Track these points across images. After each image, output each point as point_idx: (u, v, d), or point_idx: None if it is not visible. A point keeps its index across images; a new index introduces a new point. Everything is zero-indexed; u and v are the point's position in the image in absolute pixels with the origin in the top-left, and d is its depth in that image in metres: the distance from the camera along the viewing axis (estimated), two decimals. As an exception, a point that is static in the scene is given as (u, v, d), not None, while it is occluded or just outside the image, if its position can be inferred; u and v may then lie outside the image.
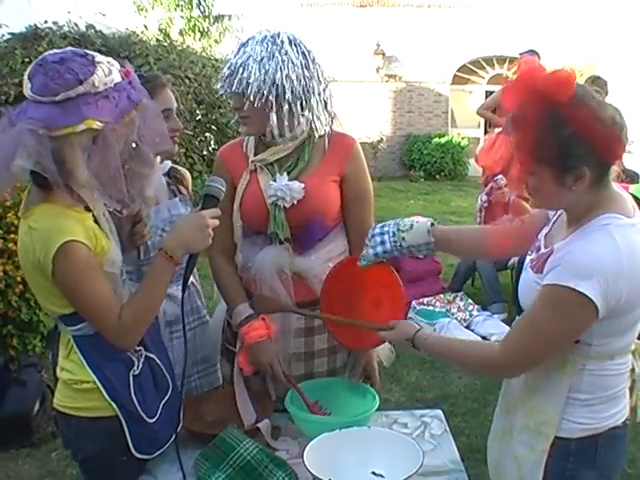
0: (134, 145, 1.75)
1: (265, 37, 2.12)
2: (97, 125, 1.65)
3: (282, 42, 2.11)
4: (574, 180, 1.61)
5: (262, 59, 2.08)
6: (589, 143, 1.57)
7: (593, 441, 1.74)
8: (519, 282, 1.88)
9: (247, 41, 2.15)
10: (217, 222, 1.88)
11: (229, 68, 2.12)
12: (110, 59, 1.78)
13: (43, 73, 1.67)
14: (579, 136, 1.57)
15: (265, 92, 2.09)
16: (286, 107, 2.13)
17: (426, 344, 1.88)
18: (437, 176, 15.64)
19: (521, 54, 6.76)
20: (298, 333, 2.31)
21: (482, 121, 14.92)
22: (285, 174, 2.20)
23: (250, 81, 2.08)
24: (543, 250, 1.79)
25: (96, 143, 1.68)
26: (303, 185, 2.18)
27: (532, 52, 6.61)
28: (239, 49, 2.14)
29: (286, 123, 2.16)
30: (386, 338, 2.02)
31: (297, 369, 2.31)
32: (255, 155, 2.26)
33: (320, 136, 2.25)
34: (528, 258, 1.85)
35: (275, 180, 2.19)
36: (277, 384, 2.26)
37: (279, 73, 2.09)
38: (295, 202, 2.18)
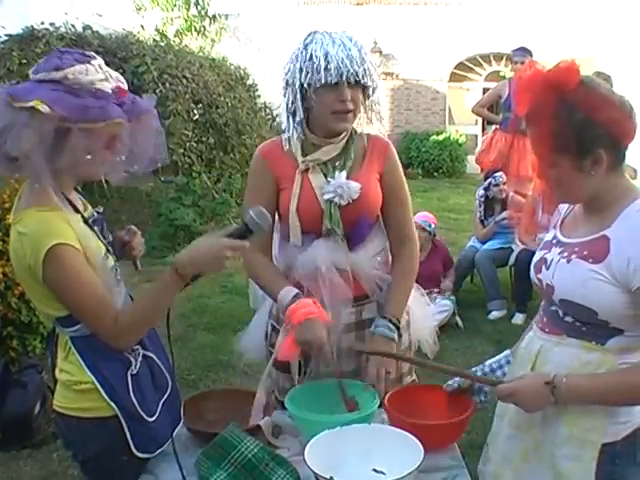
0: (88, 156, 1.77)
1: (332, 33, 2.16)
2: (43, 109, 1.66)
3: (346, 34, 2.18)
4: (592, 164, 1.65)
5: (358, 49, 2.14)
6: (601, 124, 1.62)
7: (632, 437, 1.74)
8: (547, 277, 1.83)
9: (313, 40, 2.15)
10: (237, 254, 1.84)
11: (337, 60, 2.09)
12: (115, 73, 1.83)
13: (48, 57, 1.78)
14: (591, 119, 1.62)
15: (373, 77, 2.18)
16: (372, 95, 2.25)
17: (570, 385, 1.69)
18: (435, 173, 15.62)
19: (513, 51, 6.78)
20: (348, 328, 2.32)
21: (480, 118, 14.92)
22: (344, 172, 2.24)
23: (365, 66, 2.14)
24: (569, 239, 1.79)
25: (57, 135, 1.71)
26: (360, 185, 2.23)
27: (524, 49, 6.63)
28: (317, 45, 2.13)
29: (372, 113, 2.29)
30: (516, 390, 1.76)
31: (348, 364, 2.31)
32: (303, 156, 2.26)
33: (359, 135, 2.33)
34: (552, 252, 1.83)
35: (333, 177, 2.23)
36: (319, 370, 2.23)
37: (373, 67, 2.19)
38: (350, 201, 2.22)
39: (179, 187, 8.89)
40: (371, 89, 2.21)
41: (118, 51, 8.42)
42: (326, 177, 2.25)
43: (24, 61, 7.61)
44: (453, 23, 15.72)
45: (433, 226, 6.01)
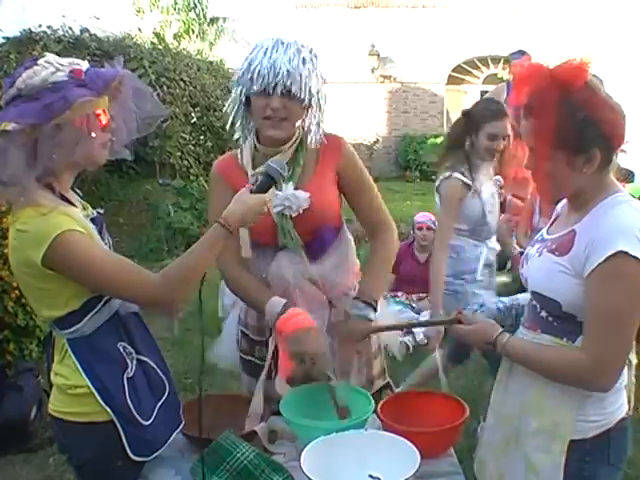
0: (75, 145, 1.77)
1: (278, 41, 2.14)
2: (11, 127, 1.68)
3: (297, 45, 2.15)
4: (584, 162, 1.68)
5: (296, 61, 2.11)
6: (600, 125, 1.66)
7: (606, 437, 1.77)
8: (526, 270, 1.90)
9: (260, 47, 2.15)
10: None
11: (263, 68, 2.10)
12: (67, 60, 1.82)
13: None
14: (592, 119, 1.65)
15: (311, 91, 2.15)
16: (315, 108, 2.20)
17: (507, 347, 1.85)
18: (433, 176, 15.56)
19: (511, 54, 6.78)
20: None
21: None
22: (290, 183, 2.21)
23: (300, 79, 2.11)
24: (550, 235, 1.83)
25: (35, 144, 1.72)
26: (309, 194, 2.21)
27: (522, 53, 6.62)
28: (258, 53, 2.14)
29: (314, 124, 2.23)
30: (462, 333, 1.96)
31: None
32: (254, 167, 2.25)
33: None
34: (532, 248, 1.90)
35: (280, 190, 2.20)
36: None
37: (313, 74, 2.15)
38: (301, 211, 2.20)
39: (177, 190, 8.89)
40: (307, 101, 2.17)
41: (115, 54, 8.36)
42: (277, 189, 2.23)
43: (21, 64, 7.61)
44: (451, 26, 15.75)
45: (437, 223, 6.06)
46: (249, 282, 2.27)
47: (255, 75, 2.11)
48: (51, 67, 1.76)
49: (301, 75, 2.11)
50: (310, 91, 2.15)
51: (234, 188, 2.19)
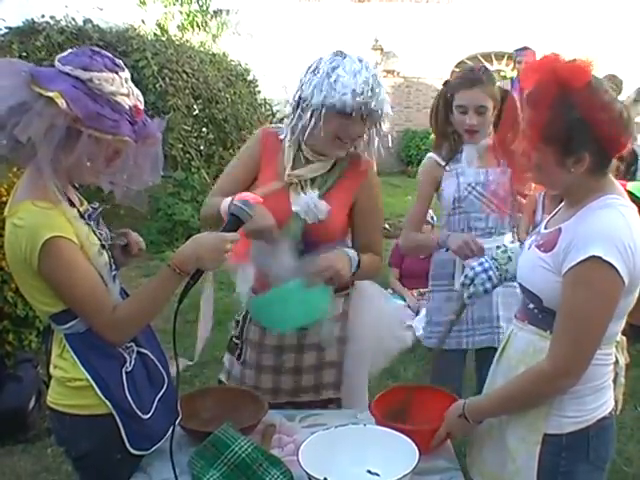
0: (88, 163, 1.77)
1: (356, 59, 2.18)
2: (60, 103, 1.66)
3: (366, 62, 2.18)
4: (574, 163, 1.67)
5: (372, 81, 2.12)
6: (593, 131, 1.63)
7: (584, 434, 1.77)
8: (518, 262, 1.94)
9: (346, 63, 2.15)
10: (232, 247, 1.85)
11: (348, 87, 2.09)
12: (136, 91, 1.83)
13: (78, 51, 1.79)
14: (585, 122, 1.63)
15: (384, 111, 2.18)
16: (380, 127, 2.25)
17: (474, 407, 1.89)
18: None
19: (516, 51, 6.78)
20: (290, 349, 2.37)
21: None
22: (317, 191, 2.23)
23: (378, 100, 2.13)
24: (545, 230, 1.84)
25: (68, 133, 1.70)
26: (329, 208, 2.22)
27: (527, 49, 6.62)
28: (341, 69, 2.13)
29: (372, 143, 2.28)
30: (444, 434, 1.96)
31: (286, 383, 2.40)
32: (292, 168, 2.25)
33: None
34: (529, 240, 1.91)
35: (305, 193, 2.21)
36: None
37: (385, 93, 2.17)
38: (317, 221, 2.21)
39: (178, 182, 8.87)
40: (377, 116, 2.19)
41: (118, 45, 8.37)
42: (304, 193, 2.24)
43: (24, 54, 7.60)
44: (455, 21, 15.71)
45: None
46: (217, 200, 2.24)
47: (338, 93, 2.09)
48: (125, 88, 1.78)
49: (379, 96, 2.13)
50: (383, 111, 2.17)
51: (263, 157, 2.28)
